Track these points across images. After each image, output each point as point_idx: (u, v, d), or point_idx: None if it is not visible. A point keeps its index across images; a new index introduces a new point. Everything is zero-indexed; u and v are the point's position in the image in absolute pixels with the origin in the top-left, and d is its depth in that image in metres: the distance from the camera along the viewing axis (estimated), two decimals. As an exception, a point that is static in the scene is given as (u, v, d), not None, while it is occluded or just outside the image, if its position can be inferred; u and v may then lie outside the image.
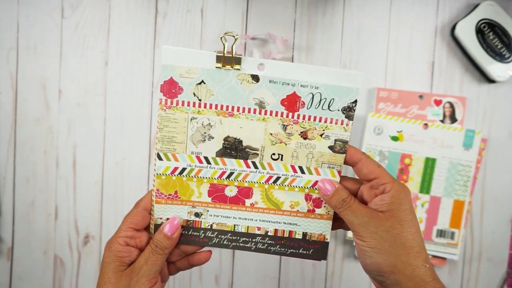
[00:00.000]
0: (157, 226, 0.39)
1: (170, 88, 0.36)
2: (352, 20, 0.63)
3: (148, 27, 0.61)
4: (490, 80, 0.63)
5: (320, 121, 0.37)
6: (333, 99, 0.36)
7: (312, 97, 0.36)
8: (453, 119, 0.62)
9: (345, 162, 0.38)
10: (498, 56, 0.62)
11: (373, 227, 0.33)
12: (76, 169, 0.62)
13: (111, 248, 0.37)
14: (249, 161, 0.38)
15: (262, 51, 0.62)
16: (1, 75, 0.61)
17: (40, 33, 0.61)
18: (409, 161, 0.62)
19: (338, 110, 0.37)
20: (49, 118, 0.61)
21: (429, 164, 0.62)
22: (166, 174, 0.38)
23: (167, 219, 0.39)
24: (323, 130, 0.37)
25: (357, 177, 0.38)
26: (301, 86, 0.36)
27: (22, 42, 0.61)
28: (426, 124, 0.61)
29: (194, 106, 0.36)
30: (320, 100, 0.36)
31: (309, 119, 0.37)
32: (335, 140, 0.37)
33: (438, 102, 0.62)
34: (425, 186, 0.62)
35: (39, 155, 0.62)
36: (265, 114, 0.37)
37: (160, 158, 0.38)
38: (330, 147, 0.38)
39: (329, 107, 0.37)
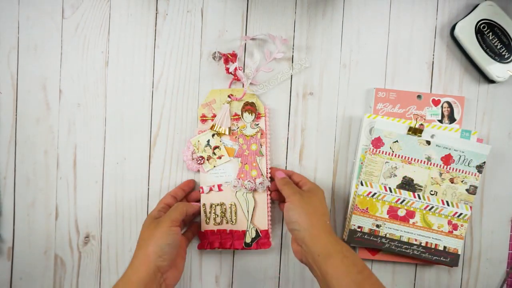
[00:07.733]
0: (351, 231, 0.60)
1: (377, 142, 0.59)
2: (352, 20, 0.63)
3: (148, 27, 0.62)
4: (490, 80, 0.63)
5: (462, 172, 0.59)
6: (471, 159, 0.59)
7: (459, 157, 0.59)
8: (452, 119, 0.62)
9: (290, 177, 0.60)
10: (497, 56, 0.62)
11: (298, 194, 0.54)
12: (76, 169, 0.62)
13: (149, 214, 0.56)
14: (416, 193, 0.60)
15: (263, 51, 0.62)
16: (1, 75, 0.61)
17: (40, 33, 0.61)
18: (409, 161, 0.62)
19: (474, 167, 0.59)
20: (49, 118, 0.62)
21: (429, 164, 0.62)
22: (363, 195, 0.60)
23: (358, 227, 0.60)
24: (463, 178, 0.59)
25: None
26: (454, 150, 0.59)
27: (23, 43, 0.61)
28: (422, 124, 0.61)
29: (388, 155, 0.60)
30: (464, 160, 0.59)
31: (456, 171, 0.59)
32: (470, 185, 0.60)
33: (436, 102, 0.62)
34: (425, 186, 0.62)
35: (40, 155, 0.62)
36: (430, 164, 0.60)
37: (362, 184, 0.60)
38: (467, 190, 0.60)
39: (468, 164, 0.59)
